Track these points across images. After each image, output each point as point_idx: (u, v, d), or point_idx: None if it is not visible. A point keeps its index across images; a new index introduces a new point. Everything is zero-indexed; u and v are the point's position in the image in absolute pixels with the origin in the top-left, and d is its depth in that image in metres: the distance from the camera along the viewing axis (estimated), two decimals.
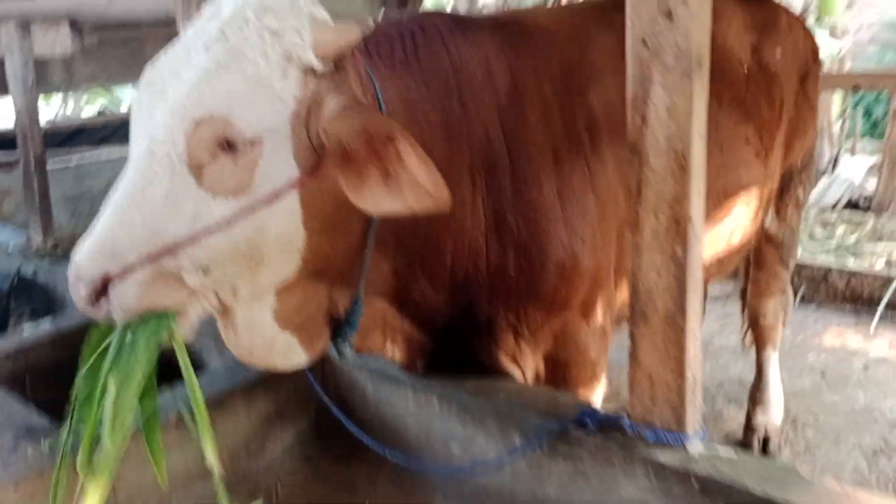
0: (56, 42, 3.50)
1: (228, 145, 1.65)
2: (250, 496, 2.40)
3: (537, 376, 2.44)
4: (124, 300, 1.63)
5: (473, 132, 2.12)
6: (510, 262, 2.21)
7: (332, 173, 1.74)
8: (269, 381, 2.51)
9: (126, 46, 4.93)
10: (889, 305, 5.12)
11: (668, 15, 1.72)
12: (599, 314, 2.42)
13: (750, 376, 4.13)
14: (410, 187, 1.63)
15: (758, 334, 3.73)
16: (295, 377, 2.49)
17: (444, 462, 2.36)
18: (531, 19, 2.38)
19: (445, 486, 2.35)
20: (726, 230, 2.79)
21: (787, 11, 3.14)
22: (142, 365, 1.72)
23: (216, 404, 2.38)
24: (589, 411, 2.09)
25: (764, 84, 2.84)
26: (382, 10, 6.38)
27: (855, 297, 5.34)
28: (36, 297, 3.85)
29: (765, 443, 3.69)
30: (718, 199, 2.67)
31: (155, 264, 1.63)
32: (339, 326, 2.06)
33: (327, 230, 1.82)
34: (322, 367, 2.59)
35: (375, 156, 1.65)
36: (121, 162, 1.80)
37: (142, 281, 1.64)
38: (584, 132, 2.28)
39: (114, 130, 5.93)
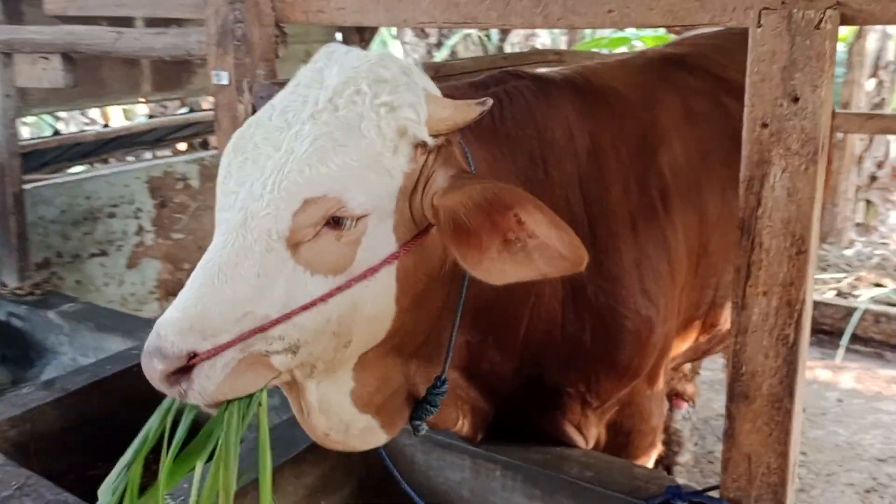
0: (44, 76, 3.27)
1: (335, 222, 1.55)
2: None
3: (597, 444, 2.39)
4: (208, 384, 1.52)
5: (556, 200, 2.06)
6: (586, 331, 2.16)
7: (434, 247, 1.67)
8: (316, 452, 2.37)
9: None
10: (852, 338, 5.30)
11: (795, 99, 1.69)
12: (661, 380, 2.40)
13: None
14: (541, 253, 1.55)
15: None
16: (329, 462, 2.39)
17: None
18: (602, 80, 2.34)
19: None
20: None
21: None
22: (235, 444, 1.63)
23: None
24: (676, 489, 2.05)
25: None
26: (339, 35, 6.29)
27: (815, 329, 5.49)
28: (11, 344, 3.58)
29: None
30: None
31: (244, 345, 1.51)
32: (417, 405, 1.97)
33: (416, 305, 1.74)
34: None
35: (496, 225, 1.57)
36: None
37: (229, 364, 1.52)
38: (657, 197, 2.25)
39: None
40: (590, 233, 2.11)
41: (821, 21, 1.64)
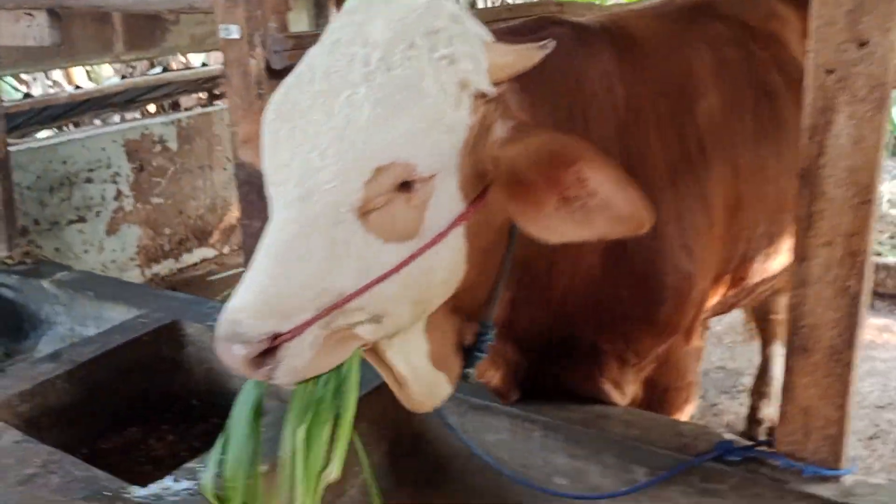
0: (28, 33, 3.09)
1: (404, 187, 1.46)
2: None
3: (633, 401, 2.35)
4: (298, 362, 1.44)
5: None
6: (626, 288, 2.11)
7: (496, 201, 1.59)
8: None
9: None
10: None
11: (862, 43, 1.63)
12: (697, 336, 2.36)
13: (731, 364, 4.21)
14: (602, 213, 1.47)
15: (767, 329, 3.77)
16: (371, 412, 2.32)
17: (546, 497, 2.24)
18: (636, 28, 2.25)
19: None
20: (791, 239, 2.77)
21: None
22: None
23: None
24: (728, 444, 2.02)
25: None
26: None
27: None
28: (2, 316, 3.44)
29: (769, 434, 3.75)
30: (782, 209, 2.64)
31: (325, 321, 1.43)
32: (467, 354, 1.91)
33: (480, 262, 1.67)
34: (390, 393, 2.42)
35: (556, 181, 1.49)
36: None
37: (317, 341, 1.44)
38: (695, 149, 2.19)
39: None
40: None
41: None
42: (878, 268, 5.41)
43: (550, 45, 1.56)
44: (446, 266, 1.57)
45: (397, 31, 1.49)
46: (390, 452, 2.43)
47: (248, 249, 2.64)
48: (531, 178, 1.51)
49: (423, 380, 1.78)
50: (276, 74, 2.48)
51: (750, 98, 2.43)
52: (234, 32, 2.42)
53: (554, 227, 1.52)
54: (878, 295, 5.42)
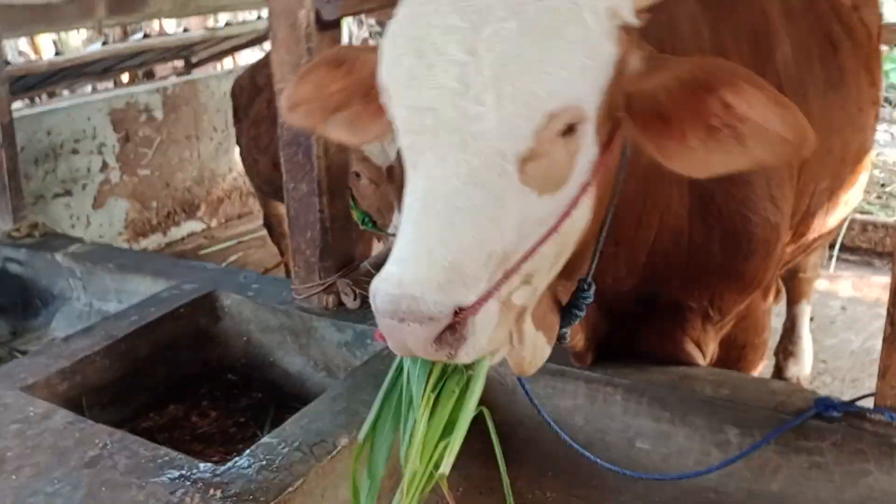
0: None
1: (568, 132, 1.33)
2: None
3: (710, 360, 2.29)
4: (482, 338, 1.29)
5: None
6: (714, 241, 2.02)
7: (617, 146, 1.49)
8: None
9: None
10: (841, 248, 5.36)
11: None
12: (772, 292, 2.30)
13: None
14: (757, 138, 1.35)
15: (795, 288, 3.74)
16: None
17: (626, 462, 2.16)
18: None
19: (630, 488, 2.16)
20: (846, 195, 2.72)
21: None
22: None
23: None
24: (827, 400, 1.96)
25: (869, 43, 2.76)
26: None
27: None
28: (9, 292, 3.25)
29: None
30: (844, 162, 2.59)
31: (503, 289, 1.30)
32: (564, 312, 1.81)
33: (598, 212, 1.55)
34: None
35: (699, 111, 1.37)
36: None
37: (496, 312, 1.31)
38: None
39: None
40: None
41: None
42: (877, 226, 5.44)
43: None
44: (584, 216, 1.46)
45: None
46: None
47: (290, 211, 2.50)
48: (673, 110, 1.39)
49: (528, 340, 1.67)
50: (327, 26, 2.34)
51: (816, 47, 2.36)
52: None
53: (700, 159, 1.40)
54: (877, 254, 5.45)
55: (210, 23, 6.80)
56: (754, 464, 2.02)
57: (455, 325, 1.24)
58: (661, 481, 2.10)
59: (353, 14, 2.37)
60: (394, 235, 3.59)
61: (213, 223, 6.25)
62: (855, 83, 2.57)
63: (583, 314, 1.80)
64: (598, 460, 2.01)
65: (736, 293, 2.12)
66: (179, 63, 7.06)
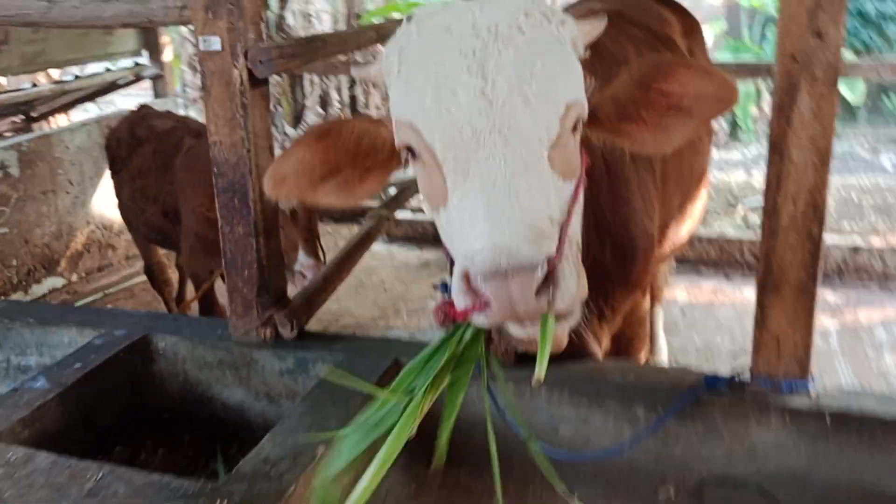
0: None
1: (575, 128, 1.69)
2: None
3: (604, 352, 2.70)
4: (571, 284, 1.52)
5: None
6: (607, 252, 2.44)
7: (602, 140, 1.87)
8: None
9: None
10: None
11: (819, 35, 2.06)
12: (648, 293, 2.75)
13: None
14: (698, 105, 1.75)
15: (650, 295, 4.27)
16: None
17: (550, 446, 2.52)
18: None
19: (559, 467, 2.51)
20: (692, 210, 3.24)
21: (696, 19, 3.67)
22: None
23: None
24: (713, 378, 2.41)
25: None
26: None
27: None
28: None
29: None
30: (690, 182, 3.11)
31: (567, 246, 1.56)
32: None
33: None
34: (394, 374, 2.60)
35: (651, 102, 1.77)
36: None
37: (573, 263, 1.58)
38: None
39: None
40: (605, 166, 2.36)
41: None
42: (702, 240, 6.17)
43: (605, 19, 1.86)
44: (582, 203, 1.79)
45: (511, 10, 1.68)
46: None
47: (227, 254, 2.71)
48: (632, 107, 1.79)
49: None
50: (258, 83, 2.59)
51: None
52: (214, 44, 2.50)
53: (664, 137, 1.80)
54: (703, 263, 6.19)
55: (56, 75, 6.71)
56: (659, 433, 2.43)
57: (548, 275, 1.46)
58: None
59: (282, 72, 2.61)
60: (299, 273, 3.79)
61: (74, 277, 6.13)
62: None
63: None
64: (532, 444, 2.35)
65: (625, 294, 2.55)
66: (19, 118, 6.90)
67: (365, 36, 3.04)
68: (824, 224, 2.20)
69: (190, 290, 4.88)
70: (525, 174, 1.54)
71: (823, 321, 5.20)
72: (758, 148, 10.23)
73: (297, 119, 10.58)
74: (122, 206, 4.74)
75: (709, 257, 6.16)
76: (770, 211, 2.23)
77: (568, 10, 3.45)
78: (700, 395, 2.38)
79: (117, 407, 2.77)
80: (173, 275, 5.22)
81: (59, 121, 7.29)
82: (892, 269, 5.72)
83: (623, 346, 2.76)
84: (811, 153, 2.14)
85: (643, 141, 1.81)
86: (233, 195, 2.65)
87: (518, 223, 1.47)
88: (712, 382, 2.40)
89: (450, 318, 1.60)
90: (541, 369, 1.60)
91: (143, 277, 5.92)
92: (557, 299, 1.48)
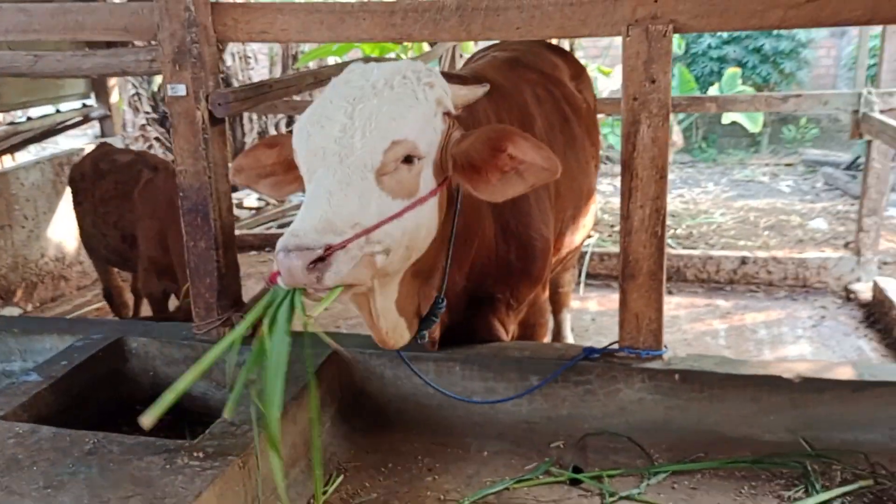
0: None
1: (407, 160, 2.27)
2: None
3: (512, 337, 3.29)
4: (343, 268, 2.03)
5: None
6: (512, 252, 3.05)
7: (450, 188, 2.48)
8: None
9: None
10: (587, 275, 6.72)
11: (652, 80, 2.72)
12: (547, 289, 3.36)
13: None
14: (530, 171, 2.35)
15: (557, 300, 4.91)
16: (325, 378, 3.05)
17: (465, 413, 3.10)
18: (494, 77, 3.20)
19: (472, 429, 3.09)
20: (583, 221, 3.88)
21: (582, 65, 4.35)
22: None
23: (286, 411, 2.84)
24: (589, 349, 3.02)
25: (588, 115, 3.99)
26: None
27: None
28: None
29: None
30: (580, 198, 3.75)
31: (359, 243, 2.08)
32: (423, 320, 2.74)
33: (440, 230, 2.52)
34: (337, 363, 3.15)
35: (495, 163, 2.36)
36: None
37: (355, 257, 2.08)
38: None
39: None
40: None
41: (665, 31, 2.67)
42: (611, 256, 6.85)
43: (486, 87, 2.48)
44: (427, 224, 2.39)
45: (392, 70, 2.34)
46: (340, 409, 3.15)
47: (191, 264, 3.23)
48: (479, 162, 2.38)
49: (390, 320, 2.58)
50: (217, 122, 3.15)
51: (557, 121, 3.50)
52: (180, 90, 3.05)
53: (499, 190, 2.40)
54: (613, 278, 6.85)
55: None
56: (549, 397, 3.02)
57: (324, 258, 1.98)
58: (492, 419, 3.05)
59: (237, 113, 3.16)
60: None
61: (29, 307, 6.52)
62: (582, 144, 3.75)
63: (436, 320, 2.74)
64: (448, 392, 2.94)
65: (527, 287, 3.15)
66: None
67: (305, 80, 3.61)
68: (664, 226, 2.84)
69: (145, 309, 5.35)
70: (342, 186, 2.14)
71: (714, 324, 5.93)
72: (670, 175, 11.06)
73: (236, 154, 11.07)
74: (84, 234, 5.21)
75: (618, 273, 6.83)
76: (625, 216, 2.86)
77: (472, 58, 4.12)
78: (579, 361, 2.98)
79: (97, 400, 3.24)
80: (129, 299, 5.67)
81: (5, 161, 7.68)
82: (776, 279, 6.48)
83: (528, 332, 3.37)
84: (652, 170, 2.79)
85: (482, 191, 2.39)
86: (196, 215, 3.18)
87: (315, 218, 2.03)
88: (589, 352, 3.01)
89: (271, 281, 2.18)
90: (315, 310, 2.17)
91: (95, 306, 6.37)
92: (325, 276, 2.00)
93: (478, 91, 2.47)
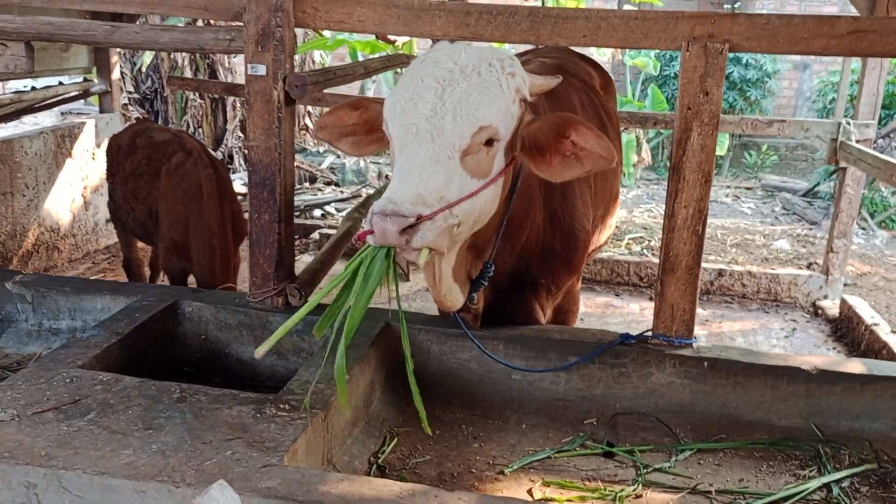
0: (8, 62, 3.52)
1: (488, 143, 2.53)
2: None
3: (547, 321, 3.55)
4: (429, 235, 2.28)
5: None
6: (557, 240, 3.31)
7: (514, 168, 2.74)
8: (373, 351, 3.21)
9: None
10: None
11: (706, 93, 3.01)
12: (580, 280, 3.63)
13: None
14: (588, 157, 2.61)
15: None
16: (379, 348, 3.26)
17: (506, 389, 3.34)
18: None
19: (510, 404, 3.34)
20: (610, 221, 4.16)
21: (610, 76, 4.64)
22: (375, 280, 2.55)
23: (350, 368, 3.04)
24: (626, 335, 3.29)
25: (616, 123, 4.28)
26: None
27: None
28: None
29: None
30: (610, 200, 4.03)
31: (444, 215, 2.32)
32: (473, 282, 3.00)
33: (499, 207, 2.78)
34: (386, 337, 3.36)
35: (558, 147, 2.62)
36: None
37: (439, 227, 2.32)
38: None
39: None
40: None
41: (722, 49, 2.97)
42: (595, 261, 7.17)
43: (559, 78, 2.74)
44: (491, 201, 2.64)
45: (479, 57, 2.58)
46: (389, 375, 3.35)
47: (252, 235, 3.41)
48: (544, 144, 2.64)
49: (447, 284, 2.85)
50: (290, 102, 3.34)
51: (597, 125, 3.77)
52: (260, 70, 3.23)
53: (559, 171, 2.66)
54: (595, 282, 7.19)
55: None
56: (585, 377, 3.28)
57: (414, 225, 2.25)
58: (530, 395, 3.30)
59: (309, 95, 3.35)
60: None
61: None
62: (617, 148, 4.03)
63: (485, 283, 3.00)
64: (496, 357, 3.18)
65: (567, 274, 3.42)
66: None
67: (359, 69, 3.82)
68: (707, 225, 3.13)
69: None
70: (432, 163, 2.39)
71: (695, 330, 6.27)
72: (638, 191, 11.52)
73: (217, 142, 11.12)
74: (113, 205, 5.34)
75: (601, 277, 7.18)
76: (670, 214, 3.15)
77: (524, 60, 4.39)
78: (616, 346, 3.25)
79: (155, 359, 3.40)
80: (147, 272, 5.78)
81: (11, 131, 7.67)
82: (750, 292, 6.87)
83: (561, 317, 3.63)
84: (699, 174, 3.08)
85: (543, 170, 2.67)
86: (263, 188, 3.37)
87: (409, 190, 2.28)
88: (625, 338, 3.28)
89: (360, 239, 2.43)
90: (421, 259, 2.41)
91: (107, 280, 6.44)
92: (413, 239, 2.27)
93: (552, 82, 2.73)
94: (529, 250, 3.24)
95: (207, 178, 4.55)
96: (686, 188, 3.10)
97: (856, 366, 3.21)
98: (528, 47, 4.85)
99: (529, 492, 2.85)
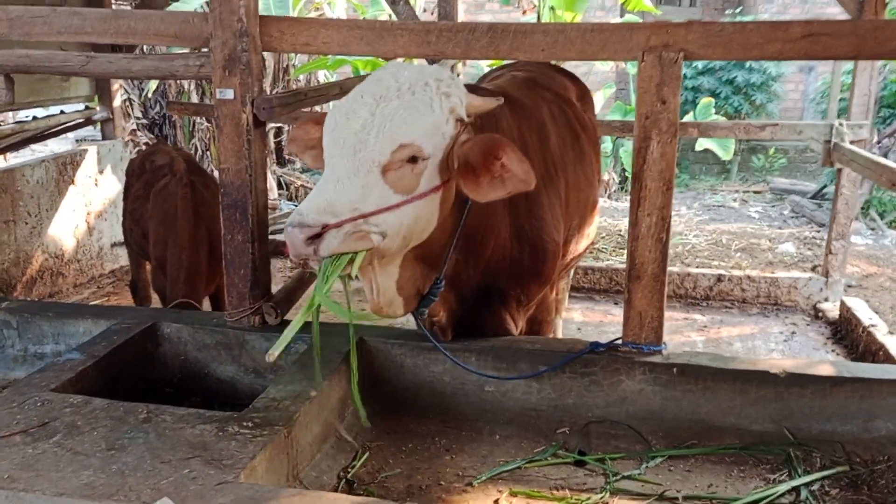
0: None
1: (412, 160, 2.59)
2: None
3: (520, 332, 3.57)
4: (334, 242, 2.39)
5: None
6: (525, 253, 3.33)
7: (452, 188, 2.77)
8: (340, 371, 3.25)
9: None
10: (571, 288, 7.01)
11: (663, 102, 3.03)
12: (555, 289, 3.65)
13: None
14: (511, 179, 2.67)
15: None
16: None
17: (478, 401, 3.37)
18: (515, 93, 3.50)
19: (483, 415, 3.36)
20: (587, 231, 4.18)
21: (587, 87, 4.67)
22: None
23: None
24: (595, 343, 3.31)
25: (593, 133, 4.30)
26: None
27: None
28: None
29: None
30: (586, 209, 4.05)
31: (354, 224, 2.42)
32: (423, 298, 3.05)
33: (441, 225, 2.83)
34: (361, 350, 3.39)
35: (488, 168, 2.67)
36: None
37: (346, 233, 2.42)
38: (552, 167, 3.50)
39: None
40: (525, 192, 3.25)
41: (676, 59, 2.99)
42: (594, 271, 7.18)
43: (500, 99, 2.78)
44: (425, 217, 2.69)
45: (419, 76, 2.65)
46: (362, 390, 3.37)
47: (227, 256, 3.47)
48: (476, 165, 2.68)
49: (387, 295, 2.91)
50: (259, 125, 3.41)
51: (569, 138, 3.80)
52: (228, 94, 3.30)
53: (485, 192, 2.71)
54: (595, 291, 7.20)
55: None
56: (557, 387, 3.30)
57: (321, 234, 2.35)
58: (503, 406, 3.32)
59: (277, 118, 3.41)
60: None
61: None
62: (589, 159, 4.06)
63: (435, 299, 3.04)
64: (467, 366, 3.21)
65: (537, 286, 3.44)
66: None
67: (332, 90, 3.89)
68: (671, 232, 3.15)
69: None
70: (349, 175, 2.50)
71: (692, 336, 6.27)
72: None
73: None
74: (124, 226, 5.50)
75: (601, 286, 7.18)
76: (633, 223, 3.17)
77: (487, 75, 4.43)
78: (585, 354, 3.27)
79: (131, 381, 3.46)
80: (152, 294, 5.89)
81: (11, 160, 7.84)
82: (749, 296, 6.84)
83: (535, 328, 3.65)
84: (660, 182, 3.10)
85: (470, 189, 2.71)
86: (235, 210, 3.43)
87: (319, 201, 2.39)
88: (595, 346, 3.29)
89: (284, 253, 2.54)
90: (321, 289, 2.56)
91: (93, 302, 6.54)
92: (321, 248, 2.38)
93: (491, 103, 2.77)
94: (496, 264, 3.27)
95: (182, 198, 4.67)
96: (648, 196, 3.12)
97: (826, 368, 3.20)
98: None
99: (496, 502, 2.87)
